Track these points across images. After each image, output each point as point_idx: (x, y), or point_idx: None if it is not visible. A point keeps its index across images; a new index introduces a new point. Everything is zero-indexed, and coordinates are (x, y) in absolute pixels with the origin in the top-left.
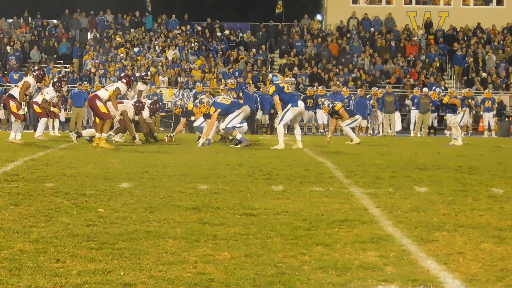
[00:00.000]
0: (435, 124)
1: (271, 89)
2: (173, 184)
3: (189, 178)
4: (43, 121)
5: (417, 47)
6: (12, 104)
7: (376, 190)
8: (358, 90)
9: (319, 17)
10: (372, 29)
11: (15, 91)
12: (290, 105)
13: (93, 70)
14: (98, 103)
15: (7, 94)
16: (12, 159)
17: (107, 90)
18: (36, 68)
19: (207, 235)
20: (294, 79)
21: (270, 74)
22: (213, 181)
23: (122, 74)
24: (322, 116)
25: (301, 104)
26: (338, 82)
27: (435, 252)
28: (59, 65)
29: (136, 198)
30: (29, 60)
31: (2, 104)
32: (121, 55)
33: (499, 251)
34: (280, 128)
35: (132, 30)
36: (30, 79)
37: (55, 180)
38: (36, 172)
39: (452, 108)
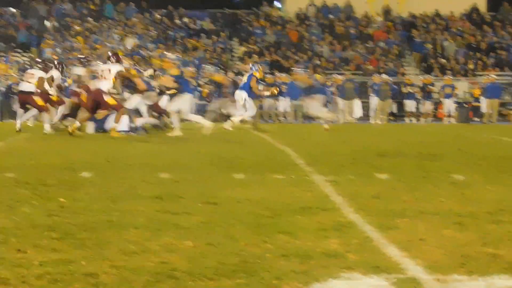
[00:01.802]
0: (395, 111)
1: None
2: (135, 173)
3: (151, 167)
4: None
5: (381, 32)
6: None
7: (337, 178)
8: (317, 77)
9: (278, 4)
10: (330, 16)
11: (30, 87)
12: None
13: (55, 58)
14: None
15: (23, 92)
16: None
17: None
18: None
19: (169, 224)
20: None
21: None
22: (175, 170)
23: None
24: (283, 104)
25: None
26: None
27: (396, 238)
28: (18, 54)
29: (98, 188)
30: None
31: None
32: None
33: (461, 237)
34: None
35: (91, 19)
36: (54, 72)
37: (16, 170)
38: None
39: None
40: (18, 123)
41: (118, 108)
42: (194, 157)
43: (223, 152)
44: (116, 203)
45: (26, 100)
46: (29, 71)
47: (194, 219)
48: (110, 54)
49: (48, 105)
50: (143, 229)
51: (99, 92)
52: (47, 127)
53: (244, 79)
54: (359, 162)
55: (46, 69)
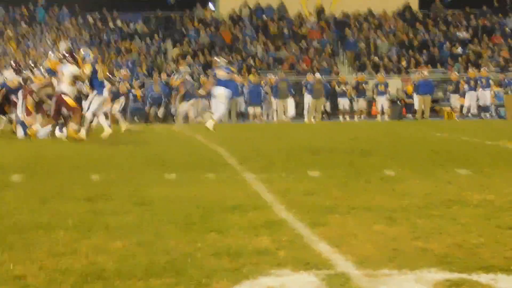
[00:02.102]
0: (329, 109)
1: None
2: (65, 174)
3: (82, 168)
4: None
5: (315, 32)
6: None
7: (269, 175)
8: (251, 77)
9: (211, 6)
10: (264, 17)
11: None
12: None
13: None
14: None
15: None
16: None
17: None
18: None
19: (99, 225)
20: (188, 68)
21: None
22: (106, 170)
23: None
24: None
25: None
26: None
27: (327, 235)
28: None
29: (28, 190)
30: None
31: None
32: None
33: (391, 231)
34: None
35: (23, 23)
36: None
37: None
38: None
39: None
40: None
41: (77, 110)
42: (126, 157)
43: (156, 153)
44: (45, 205)
45: None
46: None
47: (125, 220)
48: (64, 53)
49: None
50: (72, 230)
51: (60, 95)
52: None
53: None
54: (291, 159)
55: None
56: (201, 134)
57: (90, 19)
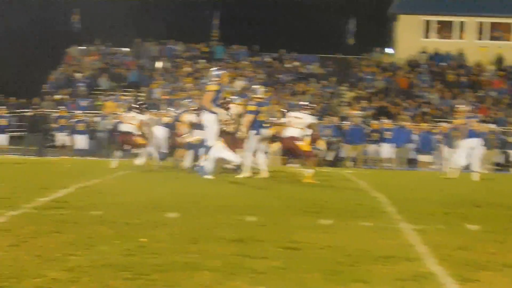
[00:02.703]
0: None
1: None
2: (220, 215)
3: (237, 209)
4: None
5: (493, 81)
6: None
7: (426, 227)
8: (424, 125)
9: (390, 50)
10: (442, 64)
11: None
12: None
13: (164, 97)
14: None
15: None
16: (65, 186)
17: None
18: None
19: (245, 268)
20: (361, 112)
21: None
22: (261, 213)
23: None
24: (386, 149)
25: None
26: (406, 117)
27: None
28: (128, 93)
29: (181, 229)
30: (98, 88)
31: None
32: (189, 84)
33: None
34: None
35: (202, 60)
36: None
37: (103, 208)
38: (85, 199)
39: None
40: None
41: (310, 154)
42: (281, 200)
43: (314, 197)
44: (195, 245)
45: (126, 140)
46: (128, 114)
47: (271, 264)
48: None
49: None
50: (217, 272)
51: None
52: (141, 161)
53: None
54: (451, 211)
55: (142, 112)
56: (365, 180)
57: (267, 59)
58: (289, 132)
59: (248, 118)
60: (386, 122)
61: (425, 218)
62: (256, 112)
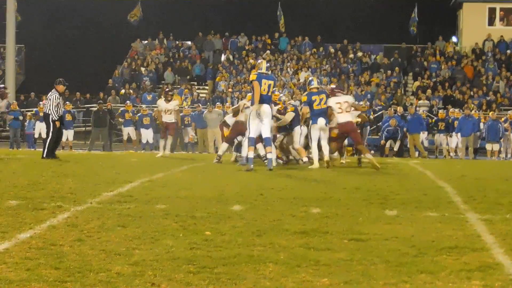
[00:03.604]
0: None
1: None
2: (285, 207)
3: (302, 201)
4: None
5: None
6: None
7: (493, 216)
8: (490, 113)
9: (454, 39)
10: (508, 51)
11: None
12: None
13: (229, 90)
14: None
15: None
16: (130, 180)
17: None
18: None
19: (309, 260)
20: (428, 102)
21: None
22: (326, 204)
23: None
24: (454, 139)
25: (320, 121)
26: (472, 105)
27: None
28: (193, 87)
29: (245, 221)
30: (163, 81)
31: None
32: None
33: None
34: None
35: (268, 52)
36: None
37: (167, 202)
38: (150, 193)
39: None
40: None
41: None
42: (346, 191)
43: (379, 188)
44: (260, 237)
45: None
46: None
47: (336, 256)
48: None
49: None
50: (282, 265)
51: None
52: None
53: None
54: None
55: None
56: (431, 170)
57: (331, 50)
58: (343, 118)
59: (304, 109)
60: (453, 111)
61: (492, 208)
62: (308, 103)
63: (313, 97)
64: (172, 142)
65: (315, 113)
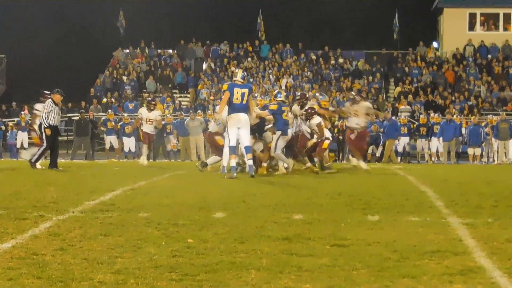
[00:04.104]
0: None
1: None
2: (267, 213)
3: (285, 207)
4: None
5: None
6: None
7: (474, 220)
8: (472, 118)
9: (435, 44)
10: (489, 56)
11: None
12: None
13: (211, 98)
14: None
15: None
16: (112, 189)
17: None
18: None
19: (292, 266)
20: (409, 107)
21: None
22: (308, 210)
23: None
24: (436, 144)
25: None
26: (454, 110)
27: None
28: (175, 95)
29: (228, 228)
30: (145, 90)
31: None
32: None
33: None
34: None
35: (249, 59)
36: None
37: (150, 210)
38: (132, 202)
39: None
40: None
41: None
42: (328, 196)
43: (361, 193)
44: (243, 244)
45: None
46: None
47: (318, 262)
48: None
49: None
50: (264, 271)
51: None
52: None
53: None
54: (500, 204)
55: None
56: (413, 175)
57: (313, 56)
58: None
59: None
60: (432, 116)
61: (474, 212)
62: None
63: (283, 108)
64: (153, 151)
65: (286, 123)
